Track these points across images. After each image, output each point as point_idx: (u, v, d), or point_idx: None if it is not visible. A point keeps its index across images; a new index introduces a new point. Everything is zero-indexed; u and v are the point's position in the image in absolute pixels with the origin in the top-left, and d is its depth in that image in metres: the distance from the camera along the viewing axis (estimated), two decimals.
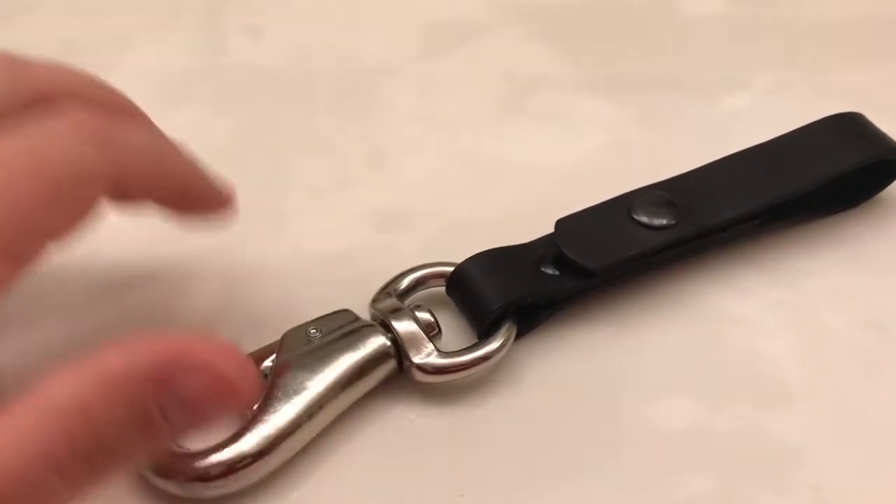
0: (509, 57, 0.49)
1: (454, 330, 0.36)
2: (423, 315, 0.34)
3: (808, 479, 0.32)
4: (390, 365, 0.33)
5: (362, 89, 0.47)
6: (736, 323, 0.37)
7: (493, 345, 0.34)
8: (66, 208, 0.27)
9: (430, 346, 0.33)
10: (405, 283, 0.36)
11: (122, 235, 0.38)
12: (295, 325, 0.34)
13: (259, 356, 0.33)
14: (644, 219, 0.36)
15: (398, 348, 0.33)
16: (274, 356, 0.33)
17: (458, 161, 0.44)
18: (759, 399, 0.34)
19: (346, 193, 0.42)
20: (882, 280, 0.38)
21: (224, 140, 0.45)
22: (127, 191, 0.29)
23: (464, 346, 0.34)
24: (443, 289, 0.36)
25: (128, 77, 0.47)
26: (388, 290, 0.36)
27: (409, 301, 0.36)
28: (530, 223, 0.37)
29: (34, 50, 0.44)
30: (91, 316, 0.37)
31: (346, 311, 0.35)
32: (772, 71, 0.48)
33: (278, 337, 0.34)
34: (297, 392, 0.32)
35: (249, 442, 0.31)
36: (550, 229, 0.36)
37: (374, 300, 0.35)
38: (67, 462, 0.23)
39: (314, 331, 0.34)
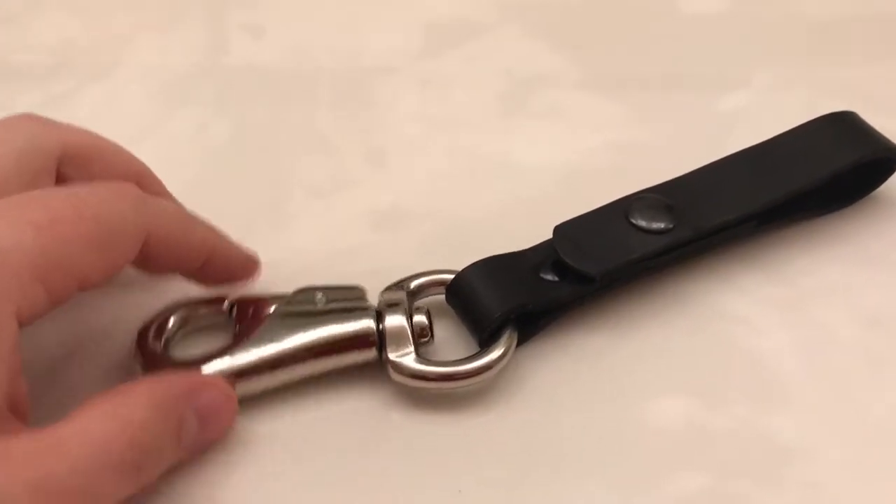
0: (510, 56, 0.49)
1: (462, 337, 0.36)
2: (419, 318, 0.34)
3: (805, 477, 0.32)
4: (370, 353, 0.34)
5: (363, 88, 0.48)
6: (735, 322, 0.37)
7: (478, 361, 0.34)
8: (100, 255, 0.30)
9: (411, 348, 0.34)
10: (415, 283, 0.36)
11: None
12: None
13: (269, 301, 0.35)
14: (642, 223, 0.36)
15: (382, 340, 0.34)
16: (276, 305, 0.35)
17: (458, 160, 0.44)
18: (757, 397, 0.34)
19: (347, 192, 0.42)
20: (879, 277, 0.38)
21: (225, 139, 0.45)
22: (156, 252, 0.32)
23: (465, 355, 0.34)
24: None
25: (129, 76, 0.48)
26: (402, 284, 0.36)
27: (418, 301, 0.36)
28: (530, 222, 0.37)
29: (37, 49, 0.44)
30: (97, 313, 0.37)
31: (359, 288, 0.36)
32: (771, 69, 0.48)
33: None
34: (271, 341, 0.33)
35: (209, 369, 0.33)
36: (550, 228, 0.36)
37: (386, 289, 0.36)
38: (127, 465, 0.28)
39: (321, 295, 0.35)
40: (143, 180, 0.36)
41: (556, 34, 0.51)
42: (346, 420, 0.34)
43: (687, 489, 0.32)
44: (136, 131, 0.45)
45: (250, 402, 0.34)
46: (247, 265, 0.36)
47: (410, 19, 0.51)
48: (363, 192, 0.42)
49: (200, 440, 0.32)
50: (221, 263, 0.35)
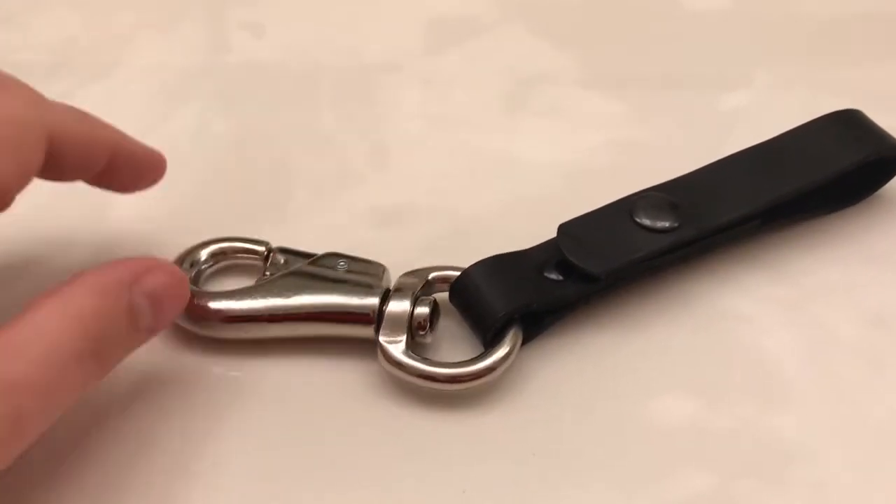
0: (512, 54, 0.50)
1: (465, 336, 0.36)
2: (421, 309, 0.35)
3: (809, 478, 0.32)
4: (367, 330, 0.34)
5: (365, 86, 0.48)
6: (738, 321, 0.37)
7: (484, 362, 0.34)
8: (9, 158, 0.30)
9: (403, 337, 0.34)
10: (434, 275, 0.36)
11: (131, 228, 0.40)
12: None
13: (302, 256, 0.37)
14: (647, 222, 0.36)
15: (381, 321, 0.34)
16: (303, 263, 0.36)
17: (460, 158, 0.44)
18: (761, 397, 0.34)
19: (349, 191, 0.42)
20: (883, 277, 0.38)
21: (227, 138, 0.45)
22: (60, 151, 0.32)
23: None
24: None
25: (130, 75, 0.48)
26: (421, 272, 0.36)
27: (433, 291, 0.36)
28: (533, 220, 0.37)
29: (37, 49, 0.44)
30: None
31: (381, 265, 0.36)
32: (773, 67, 0.48)
33: None
34: (278, 295, 0.35)
35: (216, 305, 0.35)
36: (553, 226, 0.36)
37: (404, 274, 0.36)
38: (86, 354, 0.29)
39: (343, 263, 0.36)
40: None
41: (558, 33, 0.51)
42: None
43: (694, 489, 0.32)
44: (136, 130, 0.44)
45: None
46: (153, 162, 0.37)
47: (411, 17, 0.52)
48: (365, 191, 0.42)
49: (157, 322, 0.32)
50: (127, 161, 0.35)
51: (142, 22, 0.52)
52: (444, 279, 0.36)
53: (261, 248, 0.37)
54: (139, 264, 0.32)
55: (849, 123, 0.40)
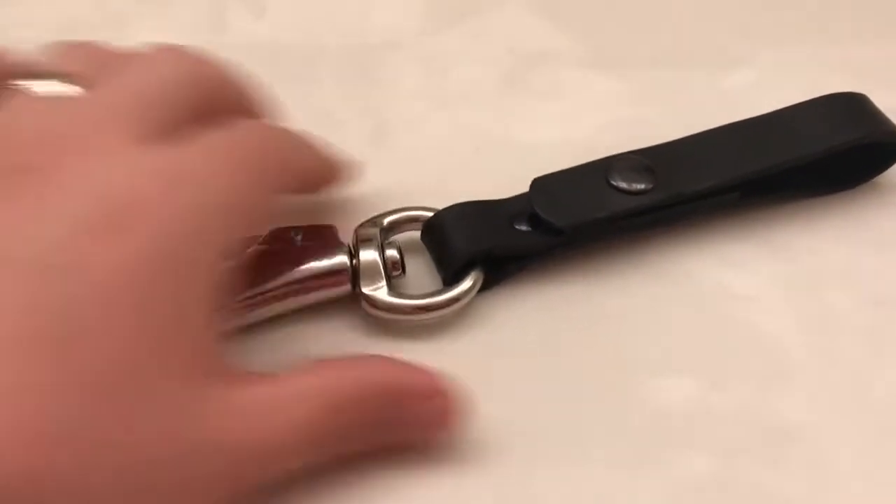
0: (513, 32, 0.52)
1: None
2: (391, 252, 0.38)
3: (809, 459, 0.34)
4: (345, 288, 0.37)
5: (366, 65, 0.50)
6: (739, 298, 0.39)
7: (445, 295, 0.37)
8: (279, 188, 0.34)
9: (383, 282, 0.37)
10: (389, 219, 0.40)
11: None
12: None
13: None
14: (622, 184, 0.38)
15: (356, 274, 0.37)
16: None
17: (461, 137, 0.46)
18: (759, 375, 0.36)
19: None
20: (884, 257, 0.40)
21: None
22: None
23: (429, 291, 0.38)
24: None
25: None
26: (375, 220, 0.39)
27: (390, 237, 0.39)
28: None
29: (36, 26, 0.47)
30: None
31: (331, 225, 0.39)
32: (776, 47, 0.50)
33: None
34: (248, 282, 0.36)
35: None
36: None
37: (360, 226, 0.39)
38: (315, 444, 0.30)
39: (294, 233, 0.38)
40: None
41: (560, 11, 0.53)
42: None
43: (692, 471, 0.34)
44: None
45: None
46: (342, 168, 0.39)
47: None
48: (367, 170, 0.43)
49: (395, 439, 0.33)
50: (327, 170, 0.39)
51: (139, 0, 0.54)
52: (404, 220, 0.40)
53: None
54: (415, 379, 0.32)
55: (847, 105, 0.42)
